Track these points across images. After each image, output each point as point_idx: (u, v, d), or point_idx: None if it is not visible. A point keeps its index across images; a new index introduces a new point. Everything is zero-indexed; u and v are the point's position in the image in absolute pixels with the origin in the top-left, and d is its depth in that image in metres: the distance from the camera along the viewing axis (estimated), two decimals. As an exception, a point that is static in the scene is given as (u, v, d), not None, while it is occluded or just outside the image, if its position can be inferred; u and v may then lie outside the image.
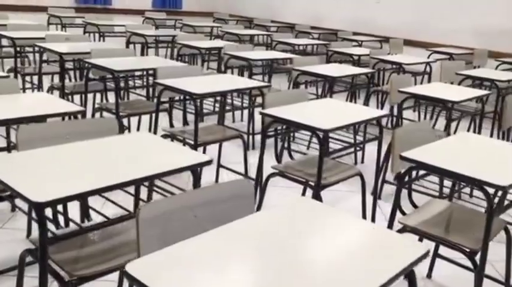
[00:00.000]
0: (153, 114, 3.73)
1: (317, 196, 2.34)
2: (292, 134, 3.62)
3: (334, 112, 2.59)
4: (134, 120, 4.02)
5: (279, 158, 2.76)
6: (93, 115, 3.58)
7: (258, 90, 3.22)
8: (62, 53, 3.64)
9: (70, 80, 4.41)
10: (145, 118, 4.00)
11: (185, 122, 3.65)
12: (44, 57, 4.04)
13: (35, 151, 1.64)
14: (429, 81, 5.29)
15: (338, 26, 7.82)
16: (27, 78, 4.66)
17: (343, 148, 2.75)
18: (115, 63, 3.32)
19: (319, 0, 8.12)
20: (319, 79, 4.18)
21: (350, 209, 3.14)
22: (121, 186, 1.48)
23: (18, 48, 4.38)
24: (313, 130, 2.28)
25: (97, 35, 6.16)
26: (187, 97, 3.18)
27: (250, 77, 4.23)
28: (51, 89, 3.98)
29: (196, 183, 1.77)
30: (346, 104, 2.87)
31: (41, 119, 2.09)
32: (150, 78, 3.65)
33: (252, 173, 3.41)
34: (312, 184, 2.41)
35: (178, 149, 1.86)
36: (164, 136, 3.03)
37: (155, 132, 3.17)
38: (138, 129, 4.10)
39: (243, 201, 1.43)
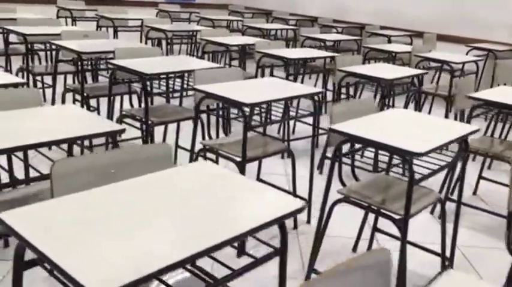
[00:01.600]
0: (180, 123, 3.36)
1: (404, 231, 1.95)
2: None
3: (415, 127, 2.18)
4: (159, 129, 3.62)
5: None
6: (119, 121, 3.17)
7: (310, 98, 2.81)
8: (81, 52, 3.23)
9: (86, 81, 4.00)
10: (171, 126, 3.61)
11: (226, 132, 3.24)
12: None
13: (72, 196, 1.24)
14: (479, 82, 4.87)
15: (363, 19, 7.37)
16: (38, 78, 4.26)
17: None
18: (144, 65, 2.91)
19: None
20: (365, 82, 3.77)
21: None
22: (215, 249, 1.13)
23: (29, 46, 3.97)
24: (402, 154, 1.87)
25: (111, 29, 5.73)
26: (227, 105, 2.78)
27: (287, 78, 3.82)
28: (66, 92, 3.57)
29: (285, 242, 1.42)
30: (419, 115, 2.45)
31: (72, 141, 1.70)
32: (178, 80, 3.26)
33: (300, 191, 3.06)
34: (395, 216, 2.02)
35: (261, 189, 1.44)
36: (202, 151, 2.63)
37: (192, 148, 2.76)
38: (164, 139, 3.69)
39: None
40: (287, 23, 7.64)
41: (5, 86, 2.16)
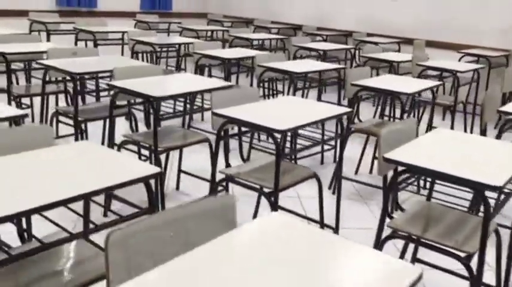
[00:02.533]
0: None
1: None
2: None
3: (476, 153, 1.97)
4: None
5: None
6: (119, 149, 2.86)
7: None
8: (75, 73, 2.90)
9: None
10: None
11: (244, 158, 2.97)
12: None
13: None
14: (477, 89, 4.76)
15: (347, 26, 7.23)
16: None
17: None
18: (150, 87, 2.62)
19: (325, -1, 7.51)
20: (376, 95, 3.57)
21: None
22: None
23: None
24: (476, 187, 1.66)
25: (90, 43, 5.38)
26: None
27: (294, 93, 3.59)
28: (55, 115, 3.24)
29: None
30: (466, 136, 2.25)
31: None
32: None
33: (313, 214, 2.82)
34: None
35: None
36: (224, 180, 2.37)
37: (213, 178, 2.48)
38: (165, 165, 3.39)
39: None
40: (270, 31, 7.43)
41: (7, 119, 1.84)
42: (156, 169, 1.52)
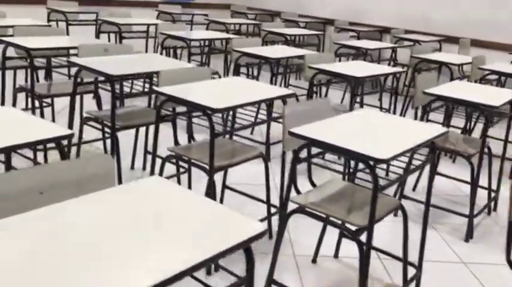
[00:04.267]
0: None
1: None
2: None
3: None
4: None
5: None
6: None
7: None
8: (113, 76, 2.49)
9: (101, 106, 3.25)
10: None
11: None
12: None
13: None
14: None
15: (381, 22, 6.78)
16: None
17: None
18: (208, 97, 2.21)
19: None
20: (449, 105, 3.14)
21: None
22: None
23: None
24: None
25: (112, 35, 4.96)
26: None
27: (361, 102, 3.17)
28: (84, 121, 2.83)
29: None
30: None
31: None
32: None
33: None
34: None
35: None
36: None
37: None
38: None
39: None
40: (299, 25, 7.00)
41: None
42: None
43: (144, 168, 3.35)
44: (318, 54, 3.80)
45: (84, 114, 2.83)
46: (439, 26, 6.20)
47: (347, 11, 7.17)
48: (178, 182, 3.02)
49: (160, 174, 2.37)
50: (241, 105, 2.25)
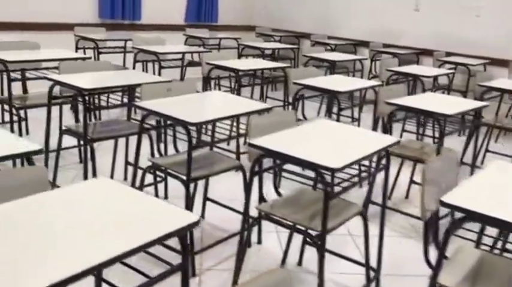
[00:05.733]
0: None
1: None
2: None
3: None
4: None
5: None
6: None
7: None
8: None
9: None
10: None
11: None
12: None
13: None
14: None
15: (416, 43, 6.52)
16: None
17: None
18: (185, 111, 1.91)
19: (393, 11, 6.77)
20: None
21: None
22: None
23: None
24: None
25: (150, 65, 4.67)
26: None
27: (338, 113, 2.88)
28: (63, 132, 2.52)
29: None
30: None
31: None
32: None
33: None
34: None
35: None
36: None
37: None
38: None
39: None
40: (331, 48, 6.74)
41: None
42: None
43: (125, 178, 3.46)
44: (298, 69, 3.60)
45: (63, 127, 2.96)
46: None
47: (379, 31, 6.91)
48: (156, 192, 3.08)
49: (141, 184, 2.49)
50: (218, 119, 2.35)
